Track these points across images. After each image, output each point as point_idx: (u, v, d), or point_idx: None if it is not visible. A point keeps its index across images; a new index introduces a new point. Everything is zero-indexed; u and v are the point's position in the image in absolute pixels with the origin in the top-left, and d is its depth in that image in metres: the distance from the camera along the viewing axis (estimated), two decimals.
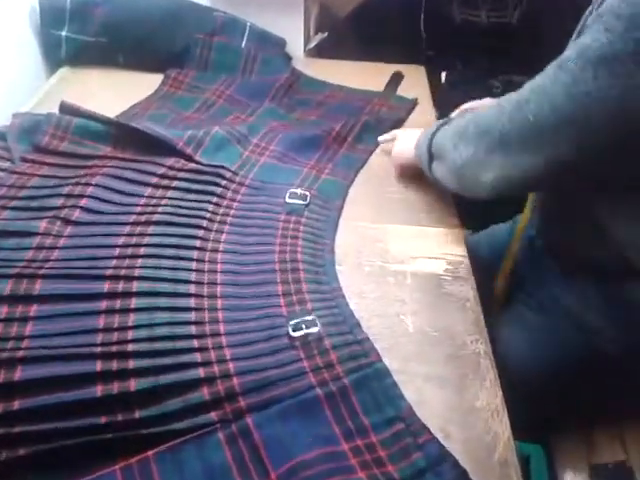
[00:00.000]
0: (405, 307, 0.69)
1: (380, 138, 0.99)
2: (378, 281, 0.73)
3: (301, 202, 0.83)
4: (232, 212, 0.80)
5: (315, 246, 0.76)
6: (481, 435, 0.55)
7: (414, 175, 0.88)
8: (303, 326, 0.61)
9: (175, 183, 0.83)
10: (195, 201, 0.80)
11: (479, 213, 1.07)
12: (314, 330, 0.60)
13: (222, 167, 0.88)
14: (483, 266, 0.86)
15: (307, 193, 0.85)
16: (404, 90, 1.25)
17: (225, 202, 0.82)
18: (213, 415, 0.53)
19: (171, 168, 0.86)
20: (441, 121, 0.79)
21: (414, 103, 1.17)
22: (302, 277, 0.70)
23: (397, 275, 0.74)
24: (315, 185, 0.88)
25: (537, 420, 0.78)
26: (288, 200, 0.84)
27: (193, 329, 0.60)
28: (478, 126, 0.66)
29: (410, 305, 0.69)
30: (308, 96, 1.18)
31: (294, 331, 0.60)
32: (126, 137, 0.91)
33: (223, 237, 0.75)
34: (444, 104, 1.31)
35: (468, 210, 0.94)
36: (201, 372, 0.55)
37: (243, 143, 0.95)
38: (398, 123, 1.11)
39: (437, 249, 0.79)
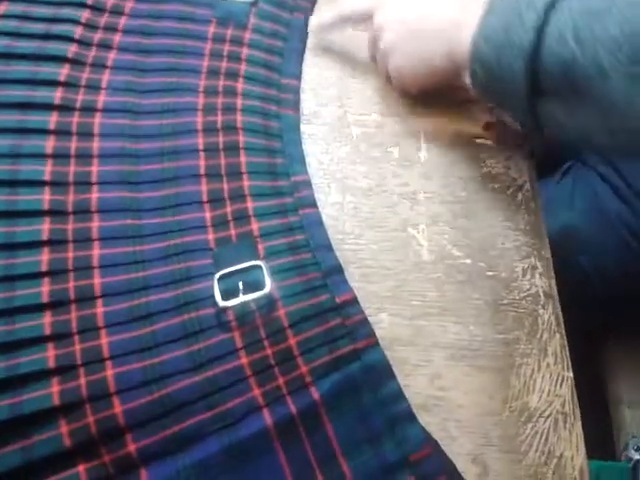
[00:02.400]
0: (417, 208, 0.41)
1: (312, 23, 0.49)
2: (372, 154, 0.44)
3: None
4: (122, 23, 0.46)
5: (267, 93, 0.44)
6: (537, 461, 0.34)
7: None
8: (240, 284, 0.34)
9: None
10: (54, 3, 0.45)
11: None
12: (262, 293, 0.34)
13: None
14: None
15: None
16: None
17: (110, 2, 0.47)
18: (80, 470, 0.30)
19: None
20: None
21: None
22: (243, 162, 0.40)
23: (405, 139, 0.44)
24: None
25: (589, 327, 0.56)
26: None
27: (43, 261, 0.34)
28: None
29: (425, 204, 0.42)
30: None
31: (225, 297, 0.34)
32: None
33: (105, 78, 0.43)
34: None
35: None
36: (54, 391, 0.31)
37: None
38: None
39: None
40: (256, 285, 0.34)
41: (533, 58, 0.34)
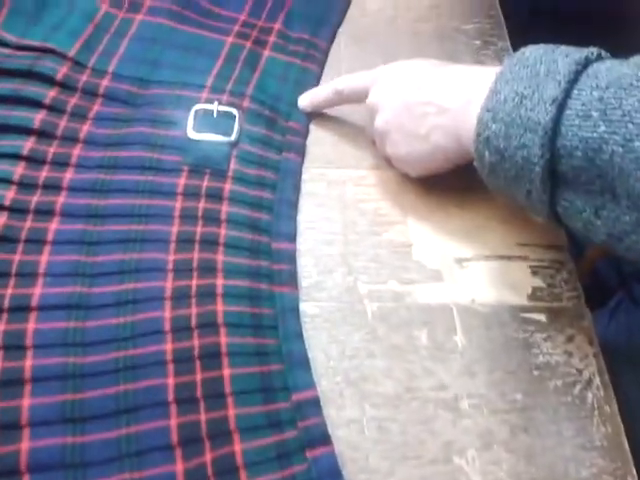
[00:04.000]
0: (462, 423, 0.31)
1: (304, 100, 0.42)
2: (393, 340, 0.34)
3: (221, 138, 0.39)
4: (67, 177, 0.36)
5: (254, 266, 0.35)
6: None
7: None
8: None
9: None
10: None
11: None
12: None
13: (50, 51, 0.41)
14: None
15: (234, 110, 0.40)
16: None
17: (52, 150, 0.37)
18: None
19: None
20: (562, 63, 0.28)
21: None
22: (226, 377, 0.30)
23: (434, 317, 0.35)
24: (250, 82, 0.43)
25: None
26: (192, 133, 0.39)
27: None
28: None
29: (471, 415, 0.31)
30: None
31: None
32: None
33: (44, 259, 0.33)
34: None
35: None
36: None
37: None
38: None
39: (506, 231, 0.39)
40: None
41: (551, 137, 0.28)
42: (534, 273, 0.37)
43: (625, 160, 0.25)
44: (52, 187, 0.36)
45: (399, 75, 0.37)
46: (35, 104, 0.38)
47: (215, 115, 0.40)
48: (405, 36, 0.48)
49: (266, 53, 0.45)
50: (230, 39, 0.45)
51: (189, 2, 0.45)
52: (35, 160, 0.36)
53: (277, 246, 0.36)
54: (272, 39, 0.45)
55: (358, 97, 0.40)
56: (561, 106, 0.27)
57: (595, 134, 0.26)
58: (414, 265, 0.37)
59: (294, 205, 0.38)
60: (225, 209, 0.36)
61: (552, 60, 0.29)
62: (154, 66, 0.42)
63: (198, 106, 0.40)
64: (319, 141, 0.42)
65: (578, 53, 0.28)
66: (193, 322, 0.31)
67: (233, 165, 0.38)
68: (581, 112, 0.27)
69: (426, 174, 0.38)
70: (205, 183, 0.37)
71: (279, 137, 0.40)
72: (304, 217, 0.38)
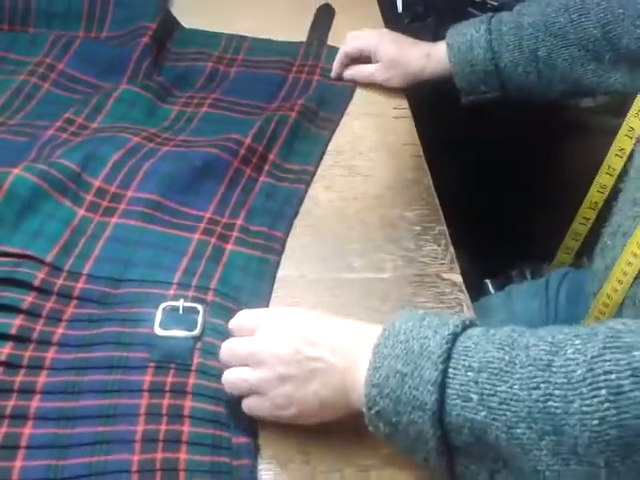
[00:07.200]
0: None
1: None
2: None
3: (186, 333, 0.42)
4: (41, 381, 0.39)
5: (215, 462, 0.36)
6: None
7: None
8: None
9: None
10: None
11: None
12: None
13: (29, 257, 0.45)
14: None
15: (198, 306, 0.44)
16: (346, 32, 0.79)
17: (27, 354, 0.40)
18: None
19: None
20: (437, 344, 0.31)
21: None
22: None
23: None
24: (214, 276, 0.47)
25: None
26: (159, 330, 0.42)
27: None
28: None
29: None
30: (189, 63, 0.71)
31: None
32: None
33: (17, 465, 0.34)
34: None
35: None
36: None
37: (74, 194, 0.51)
38: (345, 102, 0.69)
39: None
40: None
41: (439, 416, 0.30)
42: None
43: (510, 445, 0.28)
44: (26, 391, 0.38)
45: (283, 329, 0.37)
46: (13, 310, 0.42)
47: (181, 311, 0.43)
48: (354, 225, 0.54)
49: (229, 247, 0.50)
50: (197, 236, 0.50)
51: (159, 204, 0.51)
52: (12, 365, 0.39)
53: (237, 441, 0.38)
54: (234, 234, 0.51)
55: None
56: (442, 386, 0.29)
57: (478, 416, 0.28)
58: None
59: None
60: (188, 404, 0.39)
61: (423, 336, 0.31)
62: (126, 265, 0.46)
63: (165, 304, 0.44)
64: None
65: (445, 328, 0.31)
66: None
67: (197, 359, 0.41)
68: (461, 392, 0.29)
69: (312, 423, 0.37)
70: (170, 379, 0.40)
71: None
72: None
